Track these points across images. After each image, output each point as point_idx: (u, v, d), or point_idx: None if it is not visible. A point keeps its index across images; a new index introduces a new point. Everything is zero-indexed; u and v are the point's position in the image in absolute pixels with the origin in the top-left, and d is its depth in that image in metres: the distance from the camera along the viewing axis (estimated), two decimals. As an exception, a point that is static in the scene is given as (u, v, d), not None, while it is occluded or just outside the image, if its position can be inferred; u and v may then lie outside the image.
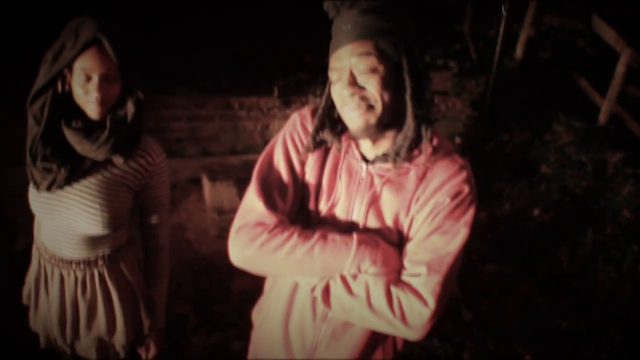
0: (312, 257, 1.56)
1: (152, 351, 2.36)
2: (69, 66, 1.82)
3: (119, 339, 2.23)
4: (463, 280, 4.58)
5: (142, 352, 2.37)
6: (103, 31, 1.78)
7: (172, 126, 5.49)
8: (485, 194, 5.90)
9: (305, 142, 1.68)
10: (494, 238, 5.29)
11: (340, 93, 1.52)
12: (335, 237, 1.58)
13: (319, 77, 5.86)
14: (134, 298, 2.21)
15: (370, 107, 1.49)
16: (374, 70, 1.47)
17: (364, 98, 1.48)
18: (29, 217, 2.23)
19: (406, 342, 3.61)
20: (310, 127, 1.68)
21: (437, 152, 1.58)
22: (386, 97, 1.48)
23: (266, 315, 1.95)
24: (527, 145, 6.27)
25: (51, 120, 1.88)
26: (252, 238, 1.60)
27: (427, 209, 1.57)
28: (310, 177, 1.69)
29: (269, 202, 1.64)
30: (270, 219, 1.61)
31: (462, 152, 6.36)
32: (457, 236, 1.54)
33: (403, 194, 1.60)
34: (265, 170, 1.71)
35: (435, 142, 1.57)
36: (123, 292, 2.17)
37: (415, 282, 1.53)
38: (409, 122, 1.51)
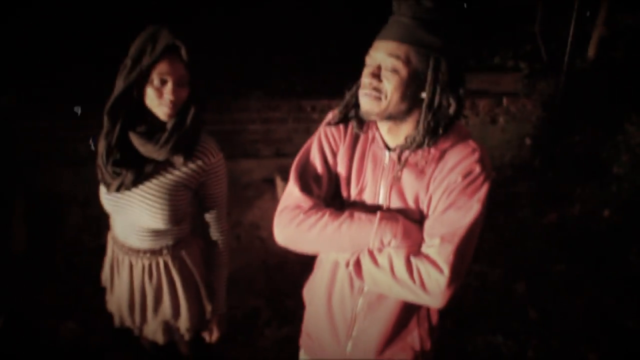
0: (340, 233, 1.77)
1: (215, 334, 2.54)
2: (148, 71, 1.99)
3: (183, 322, 2.43)
4: (530, 278, 4.64)
5: (206, 336, 2.56)
6: (180, 38, 1.98)
7: (248, 128, 5.70)
8: (556, 194, 5.90)
9: (337, 136, 1.91)
10: (564, 238, 5.31)
11: (363, 77, 1.73)
12: (360, 215, 1.78)
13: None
14: (196, 285, 2.41)
15: (377, 98, 1.68)
16: (395, 71, 1.65)
17: (376, 89, 1.68)
18: None
19: (469, 338, 3.72)
20: (347, 129, 1.92)
21: (452, 138, 1.75)
22: (396, 97, 1.67)
23: (313, 292, 2.16)
24: (598, 146, 6.22)
25: (125, 127, 2.09)
26: (291, 219, 1.86)
27: (442, 187, 1.72)
28: (341, 166, 1.91)
29: (305, 188, 1.89)
30: (306, 202, 1.85)
31: (532, 153, 6.36)
32: (470, 211, 1.68)
33: (422, 176, 1.77)
34: (303, 161, 1.96)
35: (449, 141, 1.75)
36: (186, 279, 2.37)
37: (431, 252, 1.68)
38: (420, 128, 1.68)
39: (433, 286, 1.66)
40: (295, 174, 1.93)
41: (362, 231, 1.76)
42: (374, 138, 1.86)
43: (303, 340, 2.31)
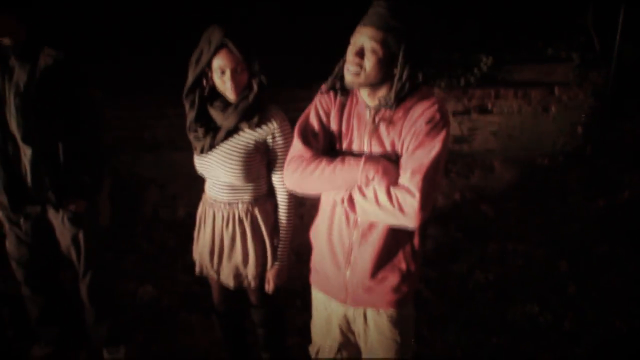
0: (335, 173, 2.23)
1: (272, 284, 2.94)
2: (208, 65, 2.55)
3: (251, 270, 2.87)
4: (572, 258, 4.87)
5: (265, 284, 2.95)
6: (228, 36, 2.48)
7: None
8: (606, 180, 6.08)
9: (329, 101, 2.38)
10: (610, 222, 5.49)
11: (348, 54, 2.17)
12: (350, 159, 2.23)
13: (444, 72, 6.22)
14: (263, 239, 2.84)
15: (357, 74, 2.14)
16: (374, 52, 2.09)
17: (357, 64, 2.13)
18: (188, 192, 2.92)
19: (508, 309, 3.97)
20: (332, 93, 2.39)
21: (417, 96, 2.20)
22: (373, 72, 2.13)
23: (317, 232, 2.57)
24: (649, 134, 6.34)
25: (202, 105, 2.66)
26: (296, 166, 2.33)
27: (411, 133, 2.16)
28: (333, 124, 2.39)
29: (306, 142, 2.36)
30: (307, 153, 2.33)
31: (584, 140, 6.52)
32: (433, 149, 2.12)
33: (395, 127, 2.22)
34: (303, 122, 2.42)
35: (414, 99, 2.20)
36: (255, 232, 2.82)
37: (404, 181, 2.13)
38: (392, 94, 2.17)
39: (408, 208, 2.11)
40: (298, 132, 2.40)
41: (351, 171, 2.20)
42: (357, 100, 2.32)
43: (312, 277, 2.70)
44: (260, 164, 2.75)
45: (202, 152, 2.72)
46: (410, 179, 2.11)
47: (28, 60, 2.88)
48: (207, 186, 2.90)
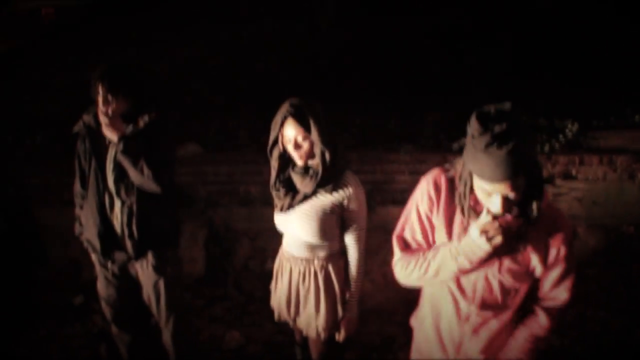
0: (430, 265, 2.35)
1: (342, 334, 3.15)
2: (280, 133, 2.86)
3: (321, 321, 3.09)
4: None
5: (336, 334, 3.16)
6: (291, 110, 2.78)
7: (397, 179, 6.19)
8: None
9: (434, 196, 2.39)
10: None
11: (493, 203, 2.08)
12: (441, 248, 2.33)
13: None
14: (334, 293, 3.08)
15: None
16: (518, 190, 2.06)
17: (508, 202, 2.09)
18: (277, 246, 3.21)
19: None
20: (442, 189, 2.38)
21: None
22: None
23: (422, 320, 2.72)
24: None
25: (282, 168, 2.96)
26: (401, 267, 2.49)
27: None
28: (440, 214, 2.37)
29: (405, 247, 2.51)
30: (408, 256, 2.46)
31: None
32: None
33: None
34: (404, 228, 2.54)
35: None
36: (328, 286, 3.06)
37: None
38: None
39: None
40: (398, 239, 2.54)
41: (444, 258, 2.29)
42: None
43: (414, 357, 2.85)
44: (335, 224, 2.99)
45: (281, 210, 2.99)
46: None
47: (128, 124, 3.26)
48: (285, 242, 3.17)
